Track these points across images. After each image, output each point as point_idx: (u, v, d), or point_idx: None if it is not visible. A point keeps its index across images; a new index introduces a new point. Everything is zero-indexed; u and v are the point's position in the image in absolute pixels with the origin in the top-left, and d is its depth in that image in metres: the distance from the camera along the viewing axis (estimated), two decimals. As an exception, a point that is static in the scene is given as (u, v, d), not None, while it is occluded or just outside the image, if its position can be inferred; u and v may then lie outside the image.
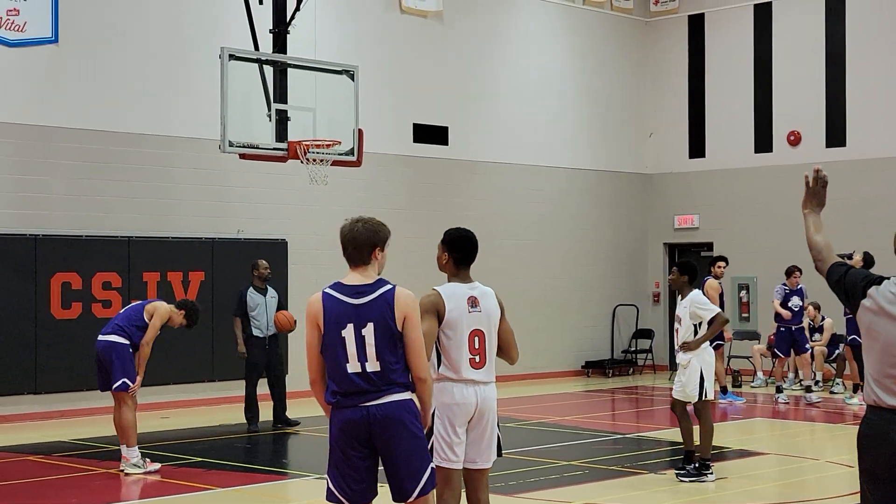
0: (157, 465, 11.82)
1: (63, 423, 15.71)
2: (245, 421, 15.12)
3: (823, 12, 21.98)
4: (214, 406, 17.54)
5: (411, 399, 6.00)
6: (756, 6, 22.89)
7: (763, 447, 13.75)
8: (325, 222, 19.08)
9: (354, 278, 6.06)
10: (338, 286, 6.05)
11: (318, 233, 19.00)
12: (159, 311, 11.75)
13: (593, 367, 22.84)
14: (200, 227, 17.83)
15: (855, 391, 17.89)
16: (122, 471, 11.65)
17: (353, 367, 5.92)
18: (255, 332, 15.01)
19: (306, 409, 15.85)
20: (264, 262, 15.40)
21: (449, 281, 6.91)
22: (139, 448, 11.80)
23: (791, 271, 18.38)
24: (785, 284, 18.36)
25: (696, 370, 11.09)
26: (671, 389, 11.76)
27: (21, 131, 16.27)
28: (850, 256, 18.11)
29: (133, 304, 12.30)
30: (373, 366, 5.91)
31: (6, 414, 15.93)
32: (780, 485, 11.46)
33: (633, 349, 23.64)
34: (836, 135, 21.80)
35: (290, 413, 15.30)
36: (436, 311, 6.71)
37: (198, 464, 12.41)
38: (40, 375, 16.25)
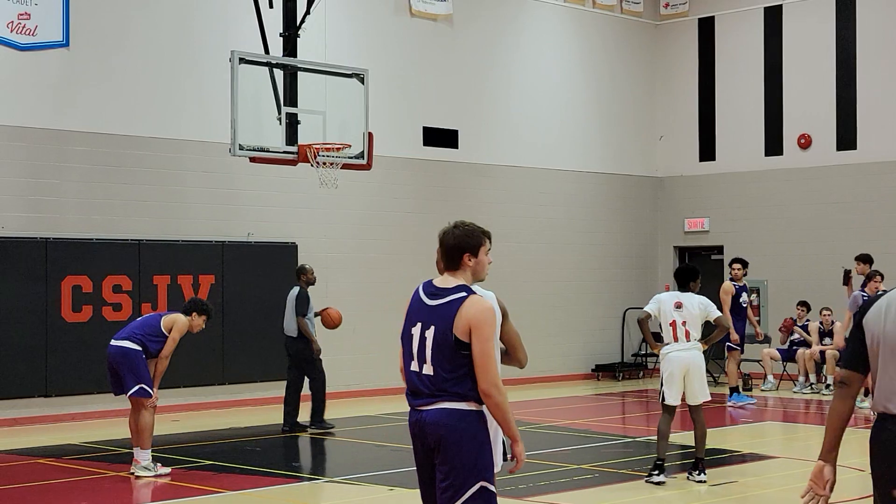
0: (168, 469, 11.84)
1: (73, 426, 15.74)
2: (318, 421, 15.25)
3: (834, 15, 21.93)
4: (224, 409, 17.55)
5: (469, 411, 5.75)
6: (766, 9, 22.85)
7: (773, 451, 13.72)
8: (335, 225, 19.12)
9: (441, 280, 5.95)
10: (427, 284, 5.97)
11: (328, 236, 19.03)
12: (178, 323, 11.74)
13: (603, 371, 22.81)
14: (211, 230, 17.85)
15: (866, 395, 17.85)
16: (133, 473, 11.67)
17: (414, 365, 5.85)
18: (315, 335, 15.18)
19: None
20: (310, 265, 15.55)
21: None
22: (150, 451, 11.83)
23: (871, 275, 17.16)
24: (864, 292, 17.01)
25: (661, 375, 11.60)
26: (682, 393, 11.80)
27: (32, 135, 16.31)
28: (849, 272, 18.04)
29: (151, 313, 12.26)
30: (428, 369, 5.78)
31: (17, 417, 15.97)
32: (790, 489, 11.43)
33: (643, 352, 23.60)
34: (846, 138, 21.75)
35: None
36: None
37: (208, 467, 12.43)
38: (51, 378, 16.28)
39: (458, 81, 21.03)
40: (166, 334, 11.68)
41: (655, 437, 11.61)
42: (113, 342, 11.68)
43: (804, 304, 20.37)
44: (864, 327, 5.07)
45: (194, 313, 11.99)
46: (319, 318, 15.29)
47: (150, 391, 11.59)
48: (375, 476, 12.08)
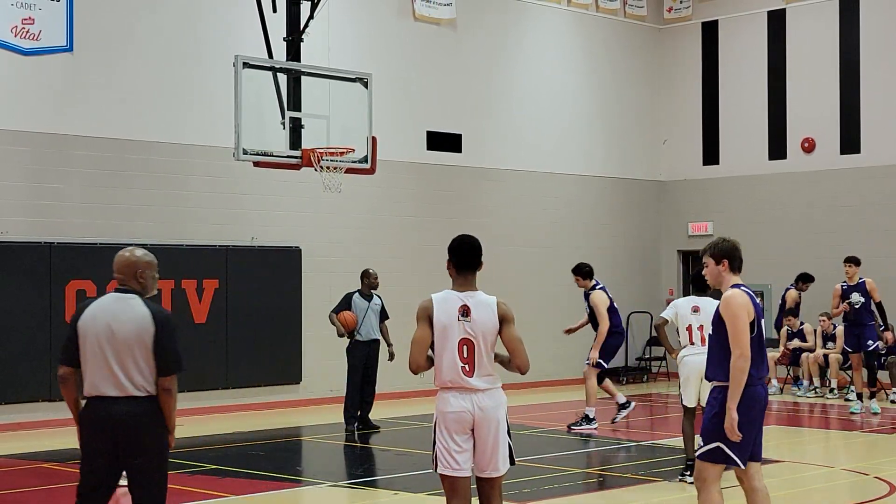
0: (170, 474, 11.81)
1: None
2: (344, 421, 15.60)
3: (837, 18, 21.93)
4: (228, 413, 17.56)
5: None
6: (770, 13, 22.85)
7: (777, 454, 13.70)
8: (339, 230, 19.12)
9: (740, 280, 7.53)
10: (741, 286, 7.45)
11: (332, 240, 19.03)
12: None
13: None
14: (214, 234, 17.86)
15: (872, 397, 17.87)
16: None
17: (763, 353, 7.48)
18: (357, 337, 15.49)
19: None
20: (373, 270, 15.80)
21: (451, 287, 6.90)
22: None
23: (848, 261, 17.85)
24: (844, 283, 17.85)
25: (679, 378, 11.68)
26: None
27: (36, 139, 16.33)
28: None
29: None
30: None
31: (22, 421, 15.98)
32: (793, 493, 11.42)
33: (647, 357, 23.59)
34: (850, 141, 21.75)
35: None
36: (427, 318, 6.73)
37: (212, 471, 12.42)
38: (55, 383, 16.19)
39: (461, 85, 21.03)
40: None
41: (663, 441, 11.61)
42: None
43: (791, 313, 20.32)
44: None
45: None
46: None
47: None
48: (379, 480, 12.09)
